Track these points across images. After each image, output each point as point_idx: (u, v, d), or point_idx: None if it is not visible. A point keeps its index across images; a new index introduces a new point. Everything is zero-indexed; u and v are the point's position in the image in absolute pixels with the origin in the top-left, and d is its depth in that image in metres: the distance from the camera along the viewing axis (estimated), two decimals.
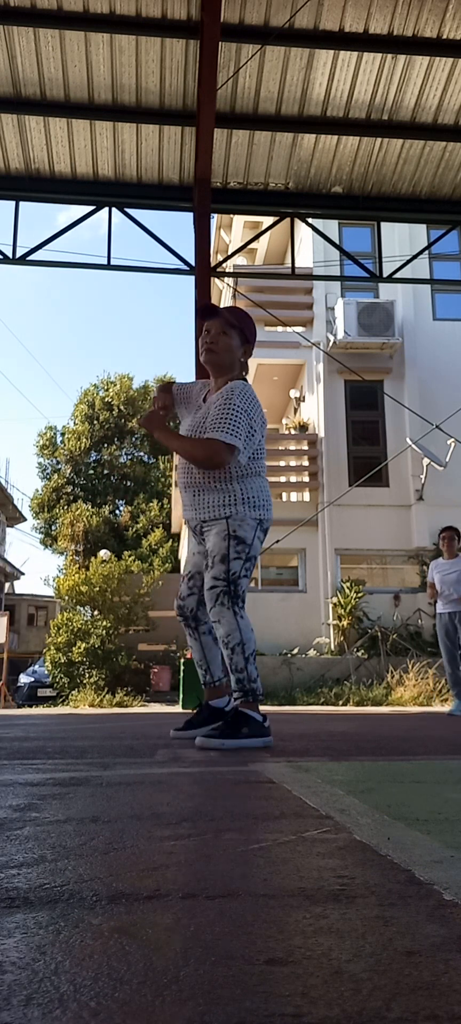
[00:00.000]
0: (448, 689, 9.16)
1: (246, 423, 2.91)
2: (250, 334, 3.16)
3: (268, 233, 11.89)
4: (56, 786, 1.64)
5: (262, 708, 2.92)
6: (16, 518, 27.56)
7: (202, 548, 3.10)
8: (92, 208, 9.27)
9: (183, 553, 16.76)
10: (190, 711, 7.02)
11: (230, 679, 2.90)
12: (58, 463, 28.44)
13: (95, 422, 28.18)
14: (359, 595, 12.59)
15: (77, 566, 14.51)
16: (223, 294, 16.47)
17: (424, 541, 13.29)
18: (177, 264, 9.15)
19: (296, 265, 10.42)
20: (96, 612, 12.63)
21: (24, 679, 15.27)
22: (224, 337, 3.09)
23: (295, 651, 11.65)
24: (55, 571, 36.71)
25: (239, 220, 17.58)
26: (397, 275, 10.21)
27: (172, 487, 18.40)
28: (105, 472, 28.37)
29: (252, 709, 2.84)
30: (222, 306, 3.37)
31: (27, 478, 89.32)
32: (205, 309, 3.26)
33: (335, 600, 12.75)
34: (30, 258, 9.14)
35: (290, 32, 7.87)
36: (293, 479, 14.37)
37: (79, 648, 11.72)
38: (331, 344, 13.73)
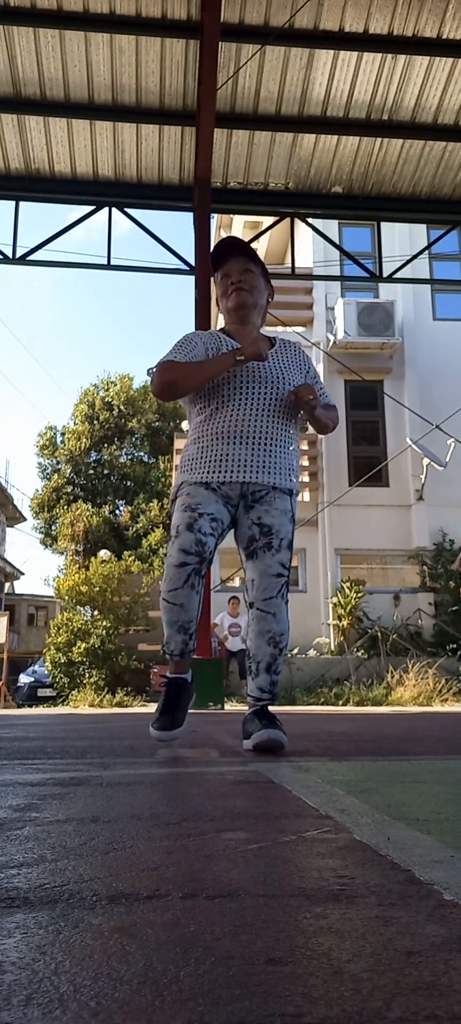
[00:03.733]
0: (449, 688, 9.18)
1: None
2: (266, 271, 2.75)
3: (268, 233, 11.88)
4: (56, 786, 1.64)
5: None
6: (16, 518, 27.57)
7: (230, 511, 2.58)
8: (92, 208, 9.27)
9: None
10: (190, 711, 7.01)
11: (258, 680, 2.53)
12: (58, 463, 28.44)
13: (95, 422, 28.18)
14: (359, 595, 12.60)
15: (77, 566, 14.51)
16: None
17: (424, 541, 13.30)
18: (177, 264, 9.16)
19: (296, 265, 10.42)
20: (96, 612, 12.62)
21: (24, 679, 15.26)
22: (250, 275, 2.66)
23: (295, 651, 11.65)
24: (55, 571, 36.75)
25: (239, 220, 17.59)
26: (397, 275, 10.21)
27: (173, 487, 18.47)
28: (105, 472, 28.38)
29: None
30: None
31: (27, 478, 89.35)
32: (221, 251, 2.70)
33: (335, 600, 12.75)
34: (30, 258, 9.14)
35: (290, 32, 7.87)
36: None
37: (79, 648, 11.72)
38: (331, 344, 13.73)
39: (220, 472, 2.52)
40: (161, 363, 2.57)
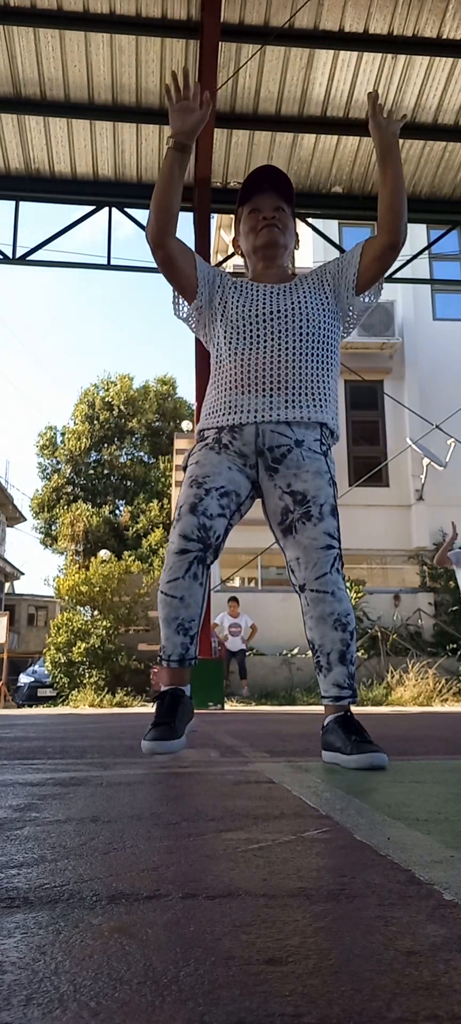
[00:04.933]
0: (449, 688, 9.18)
1: None
2: (295, 212, 2.48)
3: None
4: (56, 786, 1.64)
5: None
6: (16, 518, 27.57)
7: (249, 472, 2.20)
8: (92, 208, 9.27)
9: None
10: None
11: (332, 674, 2.14)
12: (58, 463, 28.44)
13: (95, 422, 28.18)
14: (359, 595, 12.60)
15: (77, 566, 14.51)
16: None
17: (424, 541, 13.30)
18: None
19: (296, 265, 10.38)
20: (96, 612, 12.63)
21: (24, 679, 15.26)
22: (283, 214, 2.38)
23: (295, 651, 11.64)
24: (55, 571, 36.74)
25: None
26: (397, 275, 10.21)
27: (172, 487, 18.41)
28: (105, 472, 28.37)
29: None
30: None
31: (27, 478, 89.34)
32: (255, 178, 2.40)
33: None
34: (30, 258, 9.15)
35: (290, 32, 7.87)
36: None
37: (79, 648, 11.72)
38: None
39: (232, 415, 2.18)
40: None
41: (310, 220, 10.08)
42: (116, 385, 28.66)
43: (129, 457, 28.74)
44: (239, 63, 8.13)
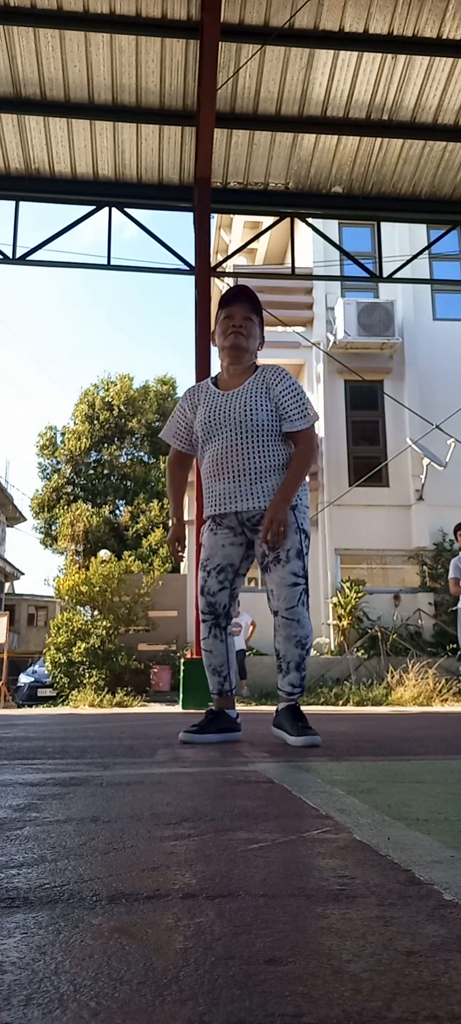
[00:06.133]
0: (449, 688, 9.18)
1: None
2: (263, 321, 3.09)
3: (268, 233, 11.89)
4: (56, 786, 1.64)
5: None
6: (16, 518, 27.56)
7: (239, 540, 2.97)
8: (92, 208, 9.27)
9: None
10: (190, 711, 7.02)
11: (287, 677, 2.91)
12: (58, 463, 28.42)
13: (95, 422, 28.16)
14: (359, 595, 12.60)
15: (77, 566, 14.50)
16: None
17: (424, 541, 13.30)
18: (177, 264, 9.16)
19: (296, 265, 10.42)
20: (96, 612, 12.62)
21: (24, 679, 15.26)
22: (250, 323, 2.98)
23: None
24: (55, 571, 36.73)
25: (239, 220, 17.59)
26: (397, 275, 10.21)
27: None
28: (105, 472, 28.36)
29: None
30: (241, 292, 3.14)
31: (27, 478, 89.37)
32: (231, 295, 3.04)
33: (335, 600, 12.76)
34: (30, 258, 9.14)
35: (290, 32, 7.87)
36: None
37: (79, 648, 11.72)
38: (331, 344, 13.73)
39: (217, 506, 2.94)
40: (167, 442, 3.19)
41: (310, 220, 10.08)
42: (116, 385, 28.64)
43: (129, 457, 28.73)
44: (239, 63, 8.13)
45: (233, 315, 2.97)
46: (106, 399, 28.45)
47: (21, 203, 9.34)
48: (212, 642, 3.02)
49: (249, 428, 2.86)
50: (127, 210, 9.23)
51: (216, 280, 13.05)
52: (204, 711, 3.13)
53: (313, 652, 12.09)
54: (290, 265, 10.28)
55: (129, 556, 14.61)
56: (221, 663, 3.02)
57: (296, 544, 2.86)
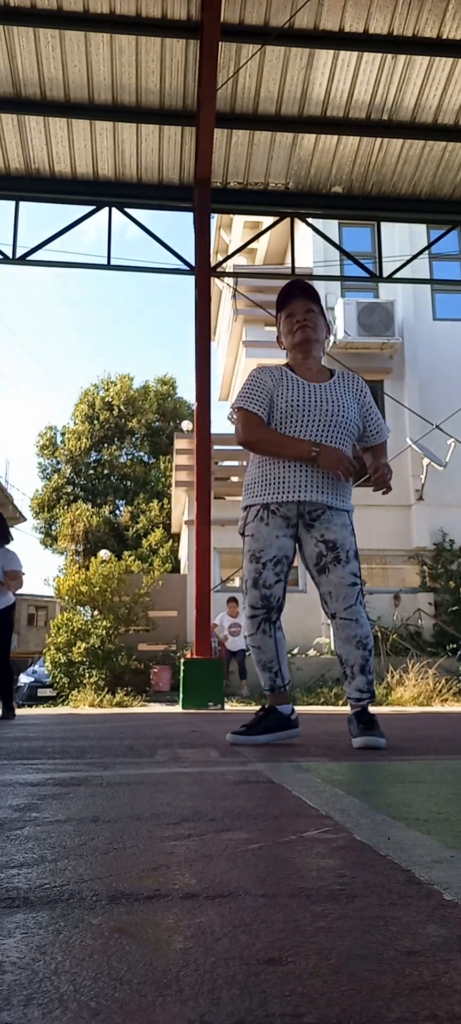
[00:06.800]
0: (449, 689, 9.18)
1: None
2: (323, 309, 3.06)
3: (268, 233, 11.89)
4: (56, 786, 1.64)
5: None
6: (16, 518, 27.55)
7: (291, 532, 2.87)
8: (92, 208, 9.27)
9: (183, 553, 16.74)
10: (190, 711, 7.01)
11: (354, 682, 2.78)
12: (58, 463, 28.42)
13: (95, 422, 28.16)
14: None
15: (77, 566, 14.50)
16: (223, 294, 16.48)
17: (424, 541, 13.30)
18: (177, 264, 9.15)
19: (296, 265, 10.42)
20: (96, 612, 12.62)
21: (24, 679, 15.26)
22: (313, 315, 2.95)
23: (295, 651, 11.64)
24: (55, 571, 36.71)
25: (239, 220, 17.59)
26: (397, 275, 10.21)
27: (172, 487, 18.38)
28: (105, 472, 28.35)
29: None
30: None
31: (27, 478, 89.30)
32: (287, 293, 3.00)
33: None
34: (30, 258, 9.14)
35: (290, 32, 7.87)
36: None
37: (79, 648, 11.72)
38: (331, 344, 13.72)
39: (278, 493, 2.83)
40: (245, 414, 2.89)
41: (310, 220, 10.08)
42: (116, 385, 28.64)
43: (129, 457, 28.72)
44: (239, 63, 8.13)
45: (294, 312, 2.94)
46: (106, 399, 28.45)
47: (21, 203, 9.34)
48: (261, 638, 2.88)
49: (340, 425, 2.83)
50: (127, 210, 9.23)
51: (216, 280, 13.06)
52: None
53: (313, 652, 12.11)
54: (290, 265, 10.28)
55: (129, 556, 14.61)
56: (271, 658, 2.89)
57: (353, 545, 2.88)
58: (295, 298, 2.97)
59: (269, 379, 2.92)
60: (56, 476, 28.10)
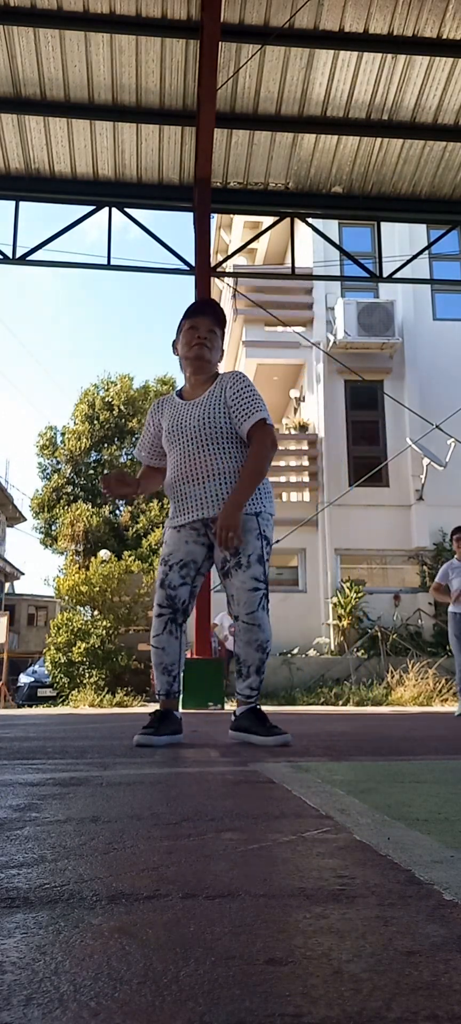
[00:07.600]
0: (449, 689, 9.17)
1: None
2: (224, 335, 3.16)
3: (268, 233, 11.89)
4: (56, 786, 1.64)
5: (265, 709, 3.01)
6: (16, 518, 27.55)
7: (202, 540, 2.93)
8: (92, 208, 9.27)
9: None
10: (190, 711, 7.02)
11: (247, 681, 2.90)
12: (58, 463, 28.41)
13: (95, 422, 28.15)
14: (359, 595, 12.59)
15: (77, 566, 14.50)
16: (223, 294, 16.47)
17: (424, 541, 13.30)
18: (177, 264, 9.16)
19: (296, 265, 10.41)
20: (96, 612, 12.62)
21: (24, 679, 15.27)
22: (214, 336, 3.02)
23: (295, 651, 11.64)
24: (55, 571, 36.72)
25: (239, 220, 17.59)
26: (397, 275, 10.21)
27: None
28: (105, 472, 28.33)
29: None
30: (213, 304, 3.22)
31: (27, 478, 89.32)
32: (197, 307, 3.11)
33: (335, 600, 12.75)
34: (30, 258, 9.14)
35: (290, 32, 7.87)
36: (293, 479, 14.37)
37: (79, 648, 11.72)
38: (331, 344, 13.72)
39: (183, 514, 2.94)
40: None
41: (310, 220, 10.08)
42: (116, 385, 28.63)
43: (129, 457, 28.71)
44: (239, 63, 8.13)
45: (198, 327, 2.99)
46: (106, 399, 28.44)
47: (21, 203, 9.34)
48: (166, 639, 2.89)
49: (207, 435, 2.87)
50: (127, 210, 9.23)
51: (216, 280, 13.06)
52: (152, 713, 2.96)
53: (313, 652, 12.10)
54: (290, 265, 10.28)
55: (129, 556, 14.62)
56: (173, 661, 2.90)
57: (257, 550, 2.85)
58: (204, 315, 3.05)
59: (152, 420, 3.14)
60: (56, 476, 28.08)
